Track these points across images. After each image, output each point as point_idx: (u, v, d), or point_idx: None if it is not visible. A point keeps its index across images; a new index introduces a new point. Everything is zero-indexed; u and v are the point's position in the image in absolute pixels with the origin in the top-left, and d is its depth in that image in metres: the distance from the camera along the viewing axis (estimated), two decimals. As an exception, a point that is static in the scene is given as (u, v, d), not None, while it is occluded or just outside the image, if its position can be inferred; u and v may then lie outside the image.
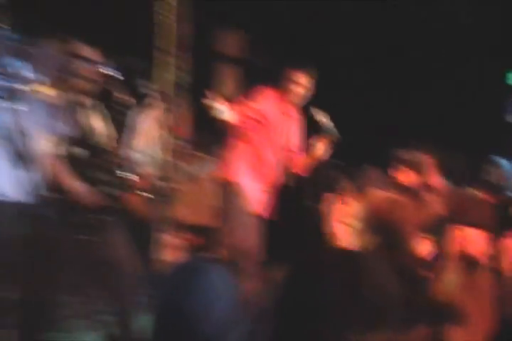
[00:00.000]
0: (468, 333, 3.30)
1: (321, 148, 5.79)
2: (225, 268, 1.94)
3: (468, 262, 3.54)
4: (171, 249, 4.26)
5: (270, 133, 5.96)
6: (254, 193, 6.01)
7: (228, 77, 7.69)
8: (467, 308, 3.36)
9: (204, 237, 7.47)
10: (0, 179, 4.31)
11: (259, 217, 6.05)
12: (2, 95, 4.14)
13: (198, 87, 5.00)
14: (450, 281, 3.45)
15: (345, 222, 4.21)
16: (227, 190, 5.90)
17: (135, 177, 5.42)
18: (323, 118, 5.78)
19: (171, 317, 1.83)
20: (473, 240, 3.71)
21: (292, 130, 5.94)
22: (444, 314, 3.38)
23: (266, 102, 5.87)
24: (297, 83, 5.82)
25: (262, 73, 7.31)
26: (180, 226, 4.46)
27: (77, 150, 4.85)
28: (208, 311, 1.82)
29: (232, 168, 5.91)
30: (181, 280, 1.87)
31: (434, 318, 3.37)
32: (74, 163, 4.83)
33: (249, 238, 6.00)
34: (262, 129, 5.91)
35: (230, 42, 7.68)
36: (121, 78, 4.74)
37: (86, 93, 4.97)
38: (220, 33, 7.46)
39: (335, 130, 5.78)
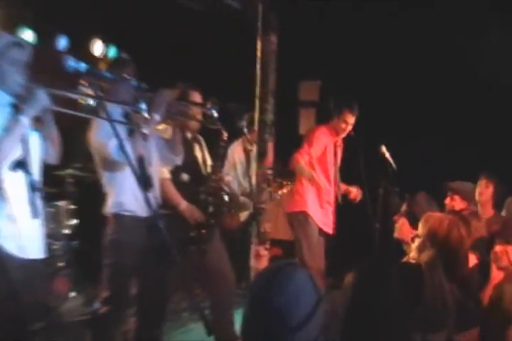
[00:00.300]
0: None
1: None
2: (305, 270, 1.96)
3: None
4: (260, 258, 4.33)
5: (327, 164, 6.20)
6: (321, 217, 6.21)
7: (306, 118, 7.84)
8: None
9: (282, 249, 7.55)
10: (129, 198, 4.39)
11: (325, 236, 6.24)
12: (130, 132, 4.29)
13: (280, 125, 5.12)
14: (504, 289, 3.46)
15: (408, 240, 4.29)
16: (299, 219, 6.13)
17: (229, 198, 5.56)
18: (387, 154, 5.89)
19: (263, 310, 1.84)
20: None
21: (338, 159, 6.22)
22: (491, 317, 3.39)
23: (324, 138, 6.21)
24: (348, 122, 6.19)
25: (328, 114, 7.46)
26: (266, 240, 4.53)
27: (185, 176, 5.02)
28: (293, 305, 1.83)
29: (301, 199, 6.11)
30: (272, 279, 1.88)
31: (484, 321, 3.38)
32: (182, 186, 5.02)
33: (316, 256, 6.16)
34: (322, 163, 6.15)
35: (309, 89, 7.86)
36: (224, 117, 4.85)
37: (194, 130, 5.14)
38: (301, 82, 7.68)
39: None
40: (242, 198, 6.18)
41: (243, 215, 6.26)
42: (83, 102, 3.80)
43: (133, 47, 6.36)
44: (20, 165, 3.55)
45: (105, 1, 6.86)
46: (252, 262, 4.16)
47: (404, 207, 4.56)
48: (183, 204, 4.90)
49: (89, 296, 6.29)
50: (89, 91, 3.82)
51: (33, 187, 3.56)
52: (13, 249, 3.62)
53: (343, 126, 6.21)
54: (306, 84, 7.81)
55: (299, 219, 6.12)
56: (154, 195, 4.35)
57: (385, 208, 5.90)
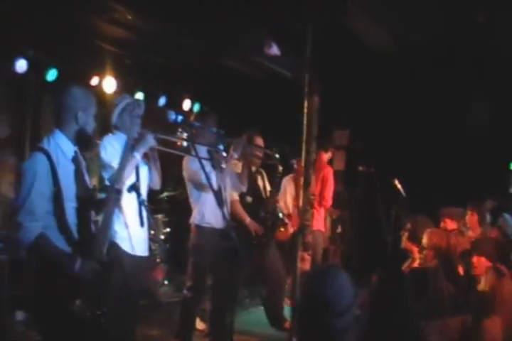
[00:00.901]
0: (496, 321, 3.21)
1: None
2: (344, 271, 1.96)
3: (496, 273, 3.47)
4: (304, 261, 4.30)
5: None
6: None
7: (338, 157, 7.84)
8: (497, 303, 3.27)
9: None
10: (208, 213, 4.43)
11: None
12: (213, 165, 4.38)
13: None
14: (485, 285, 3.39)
15: (409, 249, 4.23)
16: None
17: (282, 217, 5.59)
18: (399, 185, 5.83)
19: (315, 299, 1.83)
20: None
21: None
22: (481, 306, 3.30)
23: None
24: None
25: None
26: (309, 248, 4.51)
27: (249, 199, 5.05)
28: (339, 296, 1.82)
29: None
30: (322, 276, 1.87)
31: (475, 309, 3.31)
32: (247, 206, 5.05)
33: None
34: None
35: (341, 136, 7.86)
36: (279, 156, 4.90)
37: (257, 165, 5.18)
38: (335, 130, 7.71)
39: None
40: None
41: (291, 230, 6.26)
42: (179, 143, 3.88)
43: (212, 105, 6.49)
44: (134, 188, 3.62)
45: (190, 72, 7.04)
46: (299, 264, 4.10)
47: (408, 225, 4.48)
48: (248, 220, 4.97)
49: (178, 284, 6.37)
50: (184, 136, 3.89)
51: (141, 204, 3.64)
52: (127, 248, 3.69)
53: None
54: (338, 132, 7.80)
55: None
56: (227, 211, 4.42)
57: (395, 225, 5.82)
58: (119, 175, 3.58)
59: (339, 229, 7.67)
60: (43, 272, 2.84)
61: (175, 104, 7.10)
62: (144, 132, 3.79)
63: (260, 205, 5.17)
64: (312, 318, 1.84)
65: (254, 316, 5.60)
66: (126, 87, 6.34)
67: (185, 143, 3.90)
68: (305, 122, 4.40)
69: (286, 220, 5.87)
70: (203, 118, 4.51)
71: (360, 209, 7.68)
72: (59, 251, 2.85)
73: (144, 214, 3.74)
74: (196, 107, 7.56)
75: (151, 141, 3.73)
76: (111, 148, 3.73)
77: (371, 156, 7.02)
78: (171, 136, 3.90)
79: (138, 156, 3.70)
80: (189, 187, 4.55)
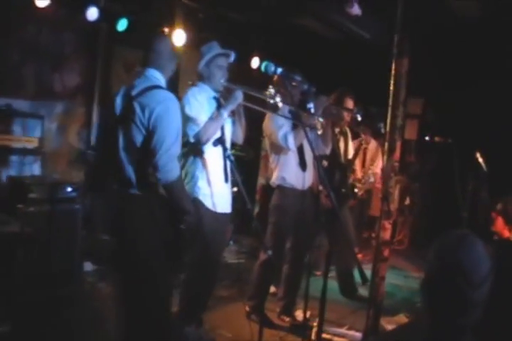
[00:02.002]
0: None
1: None
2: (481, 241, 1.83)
3: None
4: (386, 230, 4.20)
5: None
6: None
7: (411, 126, 7.65)
8: None
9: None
10: (289, 175, 4.38)
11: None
12: (294, 126, 4.31)
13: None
14: None
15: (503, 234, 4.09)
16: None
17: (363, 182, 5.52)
18: (481, 159, 5.64)
19: (451, 268, 1.74)
20: None
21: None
22: None
23: None
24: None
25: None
26: (391, 216, 4.41)
27: (325, 163, 4.95)
28: (476, 266, 1.73)
29: None
30: (459, 243, 1.77)
31: None
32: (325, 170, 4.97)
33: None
34: None
35: (414, 104, 7.66)
36: (365, 119, 4.78)
37: (341, 127, 5.08)
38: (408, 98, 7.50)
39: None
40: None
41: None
42: (269, 100, 3.80)
43: (284, 65, 6.37)
44: (220, 141, 3.61)
45: (263, 30, 6.91)
46: (381, 233, 4.02)
47: (499, 206, 4.30)
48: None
49: (242, 245, 6.45)
50: (273, 93, 3.80)
51: (227, 158, 3.61)
52: (209, 204, 3.68)
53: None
54: (412, 100, 7.57)
55: None
56: (309, 173, 4.48)
57: (472, 201, 5.67)
58: (204, 133, 3.56)
59: (407, 201, 7.56)
60: (166, 214, 2.95)
61: (243, 62, 7.02)
62: (232, 87, 3.73)
63: (336, 170, 5.08)
64: (445, 289, 1.77)
65: (318, 282, 5.56)
66: (195, 42, 6.24)
67: (271, 101, 3.80)
68: (392, 85, 4.26)
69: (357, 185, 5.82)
70: (289, 75, 4.39)
71: (431, 182, 7.51)
72: (188, 196, 3.19)
73: (229, 169, 3.71)
74: (264, 65, 7.43)
75: (239, 97, 3.69)
76: (195, 102, 3.71)
77: (447, 127, 6.81)
78: (260, 93, 3.81)
79: (225, 114, 3.66)
80: (269, 147, 4.49)
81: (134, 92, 2.98)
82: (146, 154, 2.92)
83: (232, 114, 3.86)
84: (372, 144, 6.78)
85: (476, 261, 1.75)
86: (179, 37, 6.29)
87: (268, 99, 3.80)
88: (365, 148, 6.65)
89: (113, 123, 3.01)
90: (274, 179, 4.49)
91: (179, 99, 3.16)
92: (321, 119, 4.22)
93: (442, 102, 7.26)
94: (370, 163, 6.62)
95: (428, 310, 1.81)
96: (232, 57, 3.85)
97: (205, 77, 3.80)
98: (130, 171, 2.96)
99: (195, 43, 5.76)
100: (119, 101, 3.04)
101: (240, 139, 4.04)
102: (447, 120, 7.22)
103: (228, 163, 3.70)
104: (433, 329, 1.79)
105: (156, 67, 3.09)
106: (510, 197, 4.32)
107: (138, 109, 2.92)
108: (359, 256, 6.63)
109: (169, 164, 2.91)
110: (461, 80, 7.04)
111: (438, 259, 1.79)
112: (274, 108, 3.98)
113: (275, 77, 4.51)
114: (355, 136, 6.09)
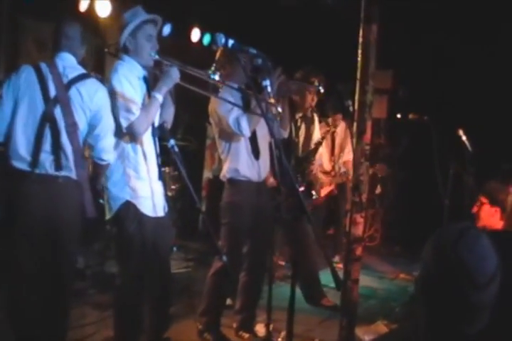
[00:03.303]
0: None
1: None
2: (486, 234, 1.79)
3: None
4: (357, 225, 4.21)
5: None
6: None
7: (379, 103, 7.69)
8: None
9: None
10: (244, 166, 4.35)
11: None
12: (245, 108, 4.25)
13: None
14: None
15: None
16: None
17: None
18: (464, 137, 5.70)
19: (450, 267, 1.71)
20: None
21: None
22: None
23: None
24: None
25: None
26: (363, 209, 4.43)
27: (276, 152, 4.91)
28: (481, 264, 1.70)
29: None
30: (459, 238, 1.73)
31: None
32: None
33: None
34: None
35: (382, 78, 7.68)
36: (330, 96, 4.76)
37: (304, 111, 5.05)
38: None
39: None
40: (320, 175, 6.08)
41: (324, 190, 6.19)
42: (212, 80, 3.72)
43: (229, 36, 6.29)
44: (160, 130, 3.53)
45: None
46: (351, 228, 4.02)
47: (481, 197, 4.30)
48: (270, 180, 4.79)
49: (188, 251, 6.37)
50: (216, 71, 3.72)
51: (171, 150, 3.50)
52: (147, 208, 3.62)
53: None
54: (379, 72, 7.57)
55: None
56: (265, 162, 4.44)
57: (456, 187, 5.74)
58: (141, 124, 3.47)
59: (378, 190, 7.60)
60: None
61: (180, 35, 6.92)
62: (166, 62, 3.63)
63: (295, 162, 5.09)
64: (445, 291, 1.73)
65: (284, 290, 5.54)
66: (121, 13, 6.11)
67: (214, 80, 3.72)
68: (360, 56, 4.25)
69: (322, 177, 5.80)
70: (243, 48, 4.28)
71: (405, 167, 7.59)
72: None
73: (159, 162, 3.72)
74: (207, 39, 7.35)
75: (175, 75, 3.58)
76: (127, 84, 3.56)
77: (421, 102, 6.86)
78: (200, 72, 3.71)
79: (160, 97, 3.55)
80: (218, 134, 4.43)
81: (67, 78, 3.49)
82: (89, 136, 3.51)
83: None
84: (342, 127, 6.61)
85: (480, 257, 1.71)
86: (103, 7, 6.20)
87: (211, 79, 3.72)
88: (334, 132, 6.51)
89: (45, 103, 3.42)
90: (225, 172, 4.39)
91: (106, 79, 3.18)
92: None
93: (415, 74, 7.30)
94: (340, 150, 6.54)
95: (424, 317, 1.77)
96: (167, 30, 3.76)
97: (131, 49, 3.62)
98: (69, 152, 3.44)
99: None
100: (49, 83, 3.45)
101: (169, 124, 3.88)
102: (421, 94, 7.25)
103: (158, 157, 3.67)
104: (430, 339, 1.76)
105: (69, 51, 3.54)
106: (492, 183, 4.40)
107: (78, 95, 3.46)
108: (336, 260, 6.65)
109: (111, 147, 3.52)
110: (435, 48, 7.09)
111: (436, 257, 1.75)
112: (216, 89, 3.91)
113: (219, 52, 4.41)
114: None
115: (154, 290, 3.78)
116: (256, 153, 4.37)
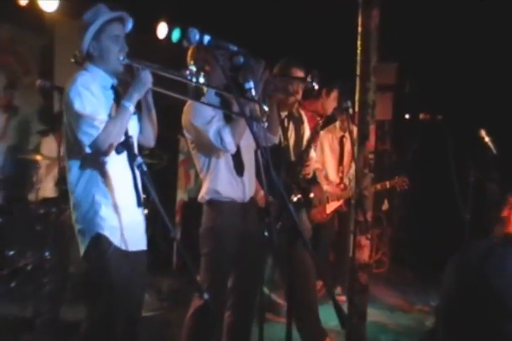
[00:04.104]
0: None
1: None
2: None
3: None
4: (362, 249, 4.27)
5: None
6: None
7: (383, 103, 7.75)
8: None
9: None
10: (226, 185, 4.41)
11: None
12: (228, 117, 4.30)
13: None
14: None
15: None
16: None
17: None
18: (487, 138, 5.78)
19: (477, 294, 1.74)
20: None
21: None
22: None
23: None
24: None
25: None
26: (368, 229, 4.44)
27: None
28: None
29: None
30: (484, 260, 1.77)
31: None
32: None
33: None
34: None
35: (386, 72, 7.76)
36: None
37: (290, 109, 5.09)
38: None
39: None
40: (325, 188, 6.13)
41: (330, 206, 6.23)
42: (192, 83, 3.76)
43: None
44: (126, 146, 3.50)
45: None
46: (356, 253, 4.07)
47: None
48: (260, 193, 4.77)
49: (159, 290, 6.41)
50: (193, 72, 3.76)
51: (138, 169, 3.50)
52: (118, 241, 3.64)
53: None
54: (382, 66, 7.64)
55: None
56: (248, 179, 4.47)
57: (477, 197, 5.82)
58: (106, 137, 3.48)
59: (385, 205, 7.64)
60: None
61: (144, 31, 6.97)
62: (136, 66, 3.66)
63: (284, 169, 5.08)
64: (471, 322, 1.76)
65: (278, 330, 5.57)
66: (74, 7, 6.15)
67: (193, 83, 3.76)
68: (359, 47, 4.34)
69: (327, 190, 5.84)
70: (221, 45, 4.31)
71: (416, 177, 7.64)
72: None
73: (140, 185, 3.66)
74: (176, 35, 7.40)
75: (147, 80, 3.61)
76: (89, 96, 3.56)
77: (433, 100, 6.94)
78: (177, 72, 3.76)
79: (131, 107, 3.58)
80: (195, 150, 4.47)
81: None
82: None
83: (137, 105, 3.78)
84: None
85: (510, 280, 1.73)
86: (49, 1, 6.25)
87: (190, 82, 3.75)
88: (342, 137, 6.60)
89: None
90: (204, 192, 4.41)
91: (58, 88, 3.18)
92: (265, 108, 4.14)
93: (424, 67, 7.37)
94: (350, 159, 6.54)
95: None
96: (130, 25, 3.80)
97: (96, 55, 3.65)
98: None
99: (75, 9, 5.73)
100: None
101: (151, 141, 3.96)
102: (433, 90, 7.34)
103: (139, 175, 3.58)
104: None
105: None
106: None
107: None
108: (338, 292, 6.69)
109: None
110: (448, 36, 7.17)
111: (459, 281, 1.78)
112: (198, 94, 3.94)
113: (191, 50, 4.43)
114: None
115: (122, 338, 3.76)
116: (239, 168, 4.40)
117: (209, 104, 4.21)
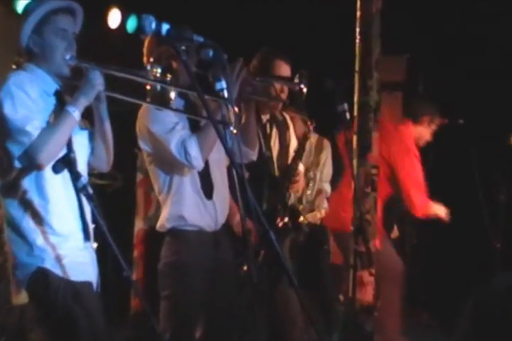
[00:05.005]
0: None
1: None
2: None
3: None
4: (364, 287, 4.31)
5: None
6: None
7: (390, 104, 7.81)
8: None
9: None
10: (192, 210, 4.44)
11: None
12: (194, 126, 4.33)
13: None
14: None
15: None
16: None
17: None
18: None
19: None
20: None
21: None
22: None
23: None
24: None
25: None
26: (372, 262, 4.48)
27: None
28: None
29: None
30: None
31: None
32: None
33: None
34: None
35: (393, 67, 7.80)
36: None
37: (274, 109, 5.11)
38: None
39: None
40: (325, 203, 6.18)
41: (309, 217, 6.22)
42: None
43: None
44: (67, 164, 3.50)
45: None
46: (356, 293, 4.11)
47: None
48: (236, 217, 4.77)
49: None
50: (157, 73, 3.77)
51: (81, 192, 3.51)
52: (61, 272, 3.63)
53: None
54: (388, 59, 7.67)
55: None
56: (220, 202, 4.47)
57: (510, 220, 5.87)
58: (41, 147, 3.49)
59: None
60: None
61: (94, 19, 7.01)
62: (85, 66, 3.67)
63: (267, 186, 5.13)
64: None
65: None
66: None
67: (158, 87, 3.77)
68: (358, 36, 4.38)
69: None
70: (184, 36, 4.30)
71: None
72: None
73: (87, 212, 3.68)
74: (132, 24, 7.44)
75: (98, 82, 3.62)
76: (24, 98, 3.58)
77: (452, 100, 6.98)
78: (137, 73, 3.78)
79: (77, 113, 3.58)
80: (152, 165, 4.48)
81: None
82: None
83: (89, 118, 3.79)
84: None
85: None
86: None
87: (154, 84, 3.77)
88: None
89: None
90: (164, 219, 4.42)
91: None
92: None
93: (440, 60, 7.43)
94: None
95: None
96: (80, 19, 3.80)
97: (37, 53, 3.66)
98: None
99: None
100: None
101: (105, 164, 3.95)
102: (451, 89, 7.37)
103: (84, 200, 3.60)
104: None
105: None
106: None
107: None
108: None
109: None
110: (471, 21, 7.22)
111: (480, 322, 1.84)
112: (163, 98, 3.92)
113: (147, 42, 4.44)
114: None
115: None
116: (208, 188, 4.41)
117: (172, 109, 4.15)
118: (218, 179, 4.46)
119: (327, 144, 6.26)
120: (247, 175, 4.83)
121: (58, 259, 3.63)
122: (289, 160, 5.24)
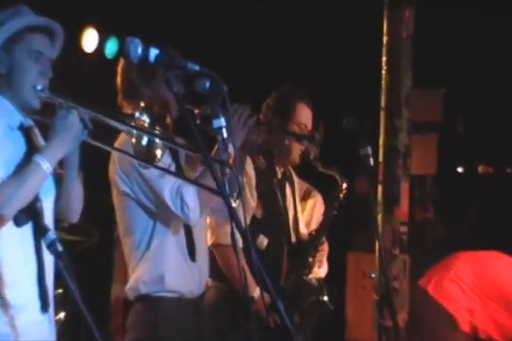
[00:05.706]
0: None
1: None
2: None
3: None
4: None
5: None
6: None
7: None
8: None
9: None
10: (174, 272, 4.47)
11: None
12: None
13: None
14: None
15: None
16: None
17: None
18: None
19: None
20: None
21: None
22: None
23: None
24: None
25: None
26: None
27: (263, 241, 4.99)
28: None
29: None
30: None
31: None
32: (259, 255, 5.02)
33: None
34: None
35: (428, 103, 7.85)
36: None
37: (284, 166, 5.14)
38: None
39: None
40: None
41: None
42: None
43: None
44: (32, 216, 3.49)
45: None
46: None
47: None
48: (256, 293, 4.78)
49: None
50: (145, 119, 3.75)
51: (50, 251, 3.50)
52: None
53: None
54: (422, 94, 7.70)
55: None
56: (203, 263, 4.49)
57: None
58: (3, 199, 3.48)
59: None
60: None
61: (68, 42, 7.08)
62: (60, 102, 3.65)
63: (288, 253, 5.15)
64: None
65: None
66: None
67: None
68: (384, 65, 4.42)
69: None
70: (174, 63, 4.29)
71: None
72: None
73: (48, 275, 3.65)
74: (111, 47, 7.52)
75: (74, 125, 3.58)
76: None
77: (497, 145, 7.03)
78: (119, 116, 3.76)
79: (44, 163, 3.54)
80: (126, 202, 4.44)
81: None
82: None
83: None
84: None
85: None
86: None
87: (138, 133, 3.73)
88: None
89: None
90: (138, 282, 4.42)
91: None
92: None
93: (483, 97, 7.48)
94: None
95: None
96: (59, 43, 3.79)
97: (2, 74, 3.67)
98: None
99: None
100: None
101: (73, 215, 3.89)
102: (497, 131, 7.43)
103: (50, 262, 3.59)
104: None
105: None
106: None
107: None
108: None
109: None
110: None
111: None
112: (149, 155, 3.88)
113: (121, 68, 4.43)
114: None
115: None
116: (192, 249, 4.41)
117: (158, 168, 3.92)
118: (200, 239, 4.48)
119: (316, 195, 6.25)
120: (265, 242, 4.89)
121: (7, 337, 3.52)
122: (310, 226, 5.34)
